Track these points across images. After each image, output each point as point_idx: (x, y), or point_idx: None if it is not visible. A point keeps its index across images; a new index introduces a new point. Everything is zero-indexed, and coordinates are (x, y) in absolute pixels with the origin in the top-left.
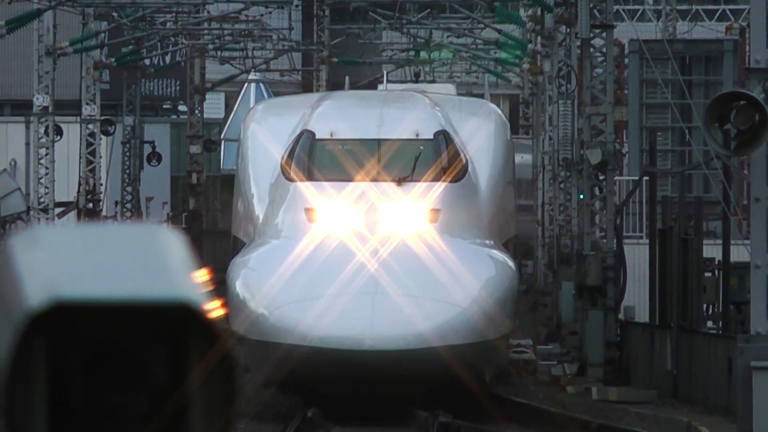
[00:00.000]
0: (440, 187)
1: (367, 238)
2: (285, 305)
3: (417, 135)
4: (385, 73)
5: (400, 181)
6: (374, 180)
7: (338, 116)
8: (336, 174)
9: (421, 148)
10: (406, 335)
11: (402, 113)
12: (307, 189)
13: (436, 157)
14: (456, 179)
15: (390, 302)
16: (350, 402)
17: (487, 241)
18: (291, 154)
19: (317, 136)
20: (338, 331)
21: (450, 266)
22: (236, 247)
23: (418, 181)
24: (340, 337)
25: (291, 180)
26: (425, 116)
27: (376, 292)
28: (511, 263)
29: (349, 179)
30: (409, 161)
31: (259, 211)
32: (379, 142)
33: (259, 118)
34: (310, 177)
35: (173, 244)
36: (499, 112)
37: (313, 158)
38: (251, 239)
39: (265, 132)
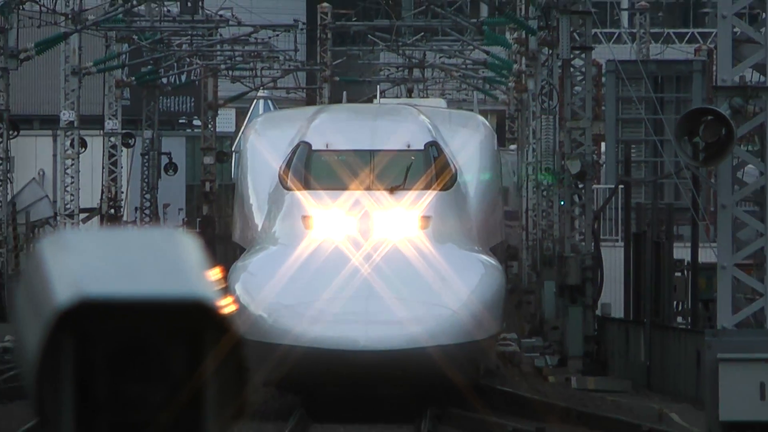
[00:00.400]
0: (431, 195)
1: (361, 244)
2: (283, 308)
3: (408, 146)
4: (378, 88)
5: (392, 190)
6: (368, 189)
7: (333, 128)
8: (331, 183)
9: (413, 158)
10: (399, 336)
11: (394, 125)
12: (303, 197)
13: (426, 166)
14: (446, 188)
15: (383, 305)
16: (346, 400)
17: (476, 247)
18: (288, 164)
19: (313, 147)
20: (333, 333)
21: (440, 271)
22: (236, 252)
23: (410, 189)
24: (335, 338)
25: (288, 189)
26: (416, 128)
27: (369, 296)
28: (498, 267)
29: (344, 188)
30: (400, 171)
31: (258, 218)
32: (372, 152)
33: (258, 130)
34: (306, 186)
35: (189, 246)
36: (487, 123)
37: (309, 168)
38: (250, 245)
39: (264, 143)
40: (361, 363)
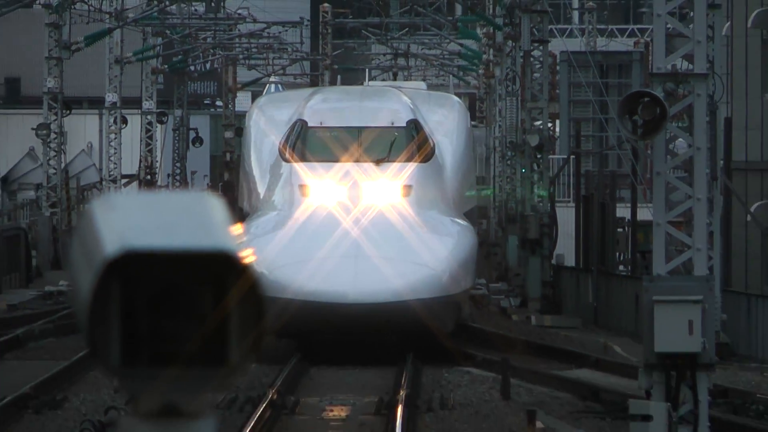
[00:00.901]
0: (412, 167)
1: (350, 210)
2: (282, 266)
3: (392, 123)
4: (366, 73)
5: (378, 162)
6: (356, 161)
7: (327, 108)
8: (324, 156)
9: (396, 134)
10: (384, 291)
11: (379, 105)
12: (300, 168)
13: (408, 141)
14: (425, 160)
15: (370, 264)
16: (338, 346)
17: (452, 212)
18: (287, 139)
19: (309, 125)
20: (326, 288)
21: (420, 233)
22: (241, 216)
23: (393, 162)
24: (328, 292)
25: (287, 161)
26: (399, 107)
27: (358, 255)
28: (471, 230)
29: (336, 160)
30: (385, 145)
31: (261, 186)
32: (360, 129)
33: (261, 109)
34: (302, 158)
35: (214, 206)
36: (462, 103)
37: (305, 143)
38: (253, 210)
39: (266, 121)
40: (351, 314)
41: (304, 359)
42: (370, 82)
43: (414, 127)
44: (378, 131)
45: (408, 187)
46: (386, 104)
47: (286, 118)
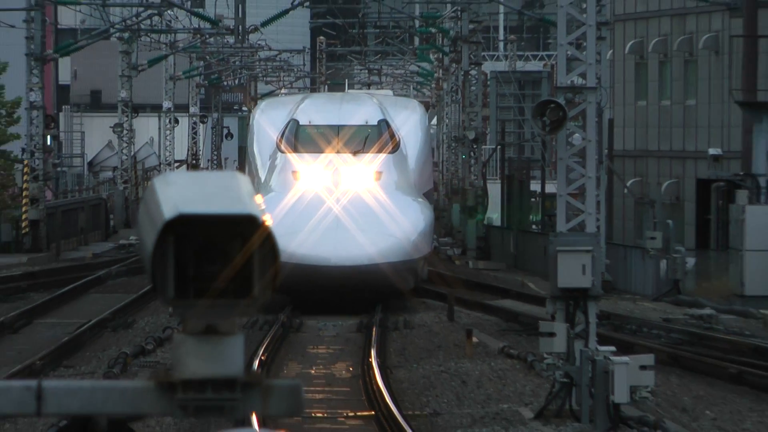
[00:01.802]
0: (382, 157)
1: (333, 191)
2: (277, 236)
3: (366, 122)
4: (346, 83)
5: (355, 153)
6: (337, 152)
7: (314, 109)
8: (312, 148)
9: (369, 130)
10: (359, 256)
11: (356, 107)
12: (293, 158)
13: (379, 136)
14: (392, 151)
15: (348, 234)
16: (322, 300)
17: (414, 193)
18: (282, 135)
19: (300, 123)
20: (313, 253)
21: (389, 210)
22: None
23: (367, 153)
24: (314, 256)
25: (282, 152)
26: (372, 109)
27: (338, 228)
28: (429, 207)
29: (321, 152)
30: (361, 139)
31: (261, 172)
32: (340, 126)
33: (262, 110)
34: (295, 150)
35: (241, 181)
36: (422, 106)
37: (297, 138)
38: (255, 192)
39: (265, 120)
40: (333, 275)
41: (296, 309)
42: (349, 90)
43: (384, 125)
44: (355, 128)
45: (379, 173)
46: (361, 107)
47: (282, 117)
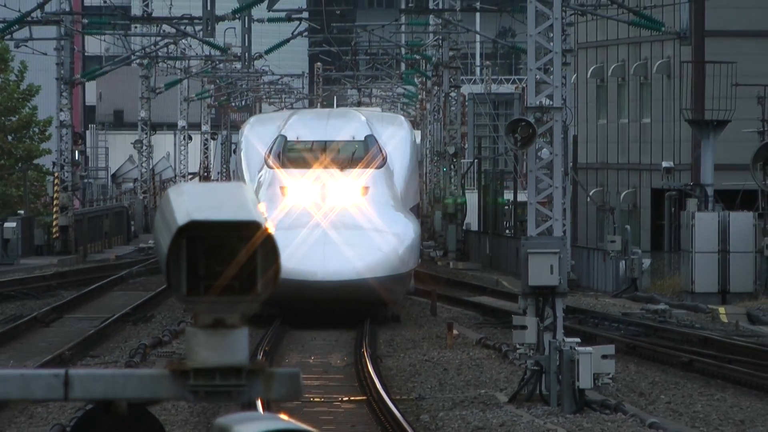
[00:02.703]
0: (369, 172)
1: (320, 206)
2: None
3: (353, 137)
4: (334, 99)
5: (342, 168)
6: (325, 167)
7: (302, 125)
8: (300, 163)
9: (356, 146)
10: (347, 271)
11: (343, 122)
12: (281, 173)
13: (366, 152)
14: (379, 167)
15: (336, 249)
16: (311, 314)
17: (400, 208)
18: (270, 150)
19: (288, 139)
20: (301, 268)
21: (376, 225)
22: None
23: (354, 168)
24: (302, 271)
25: (271, 168)
26: (358, 125)
27: (326, 242)
28: (415, 223)
29: (309, 167)
30: (348, 155)
31: None
32: (328, 142)
33: (251, 126)
34: (283, 165)
35: (246, 191)
36: (408, 122)
37: (285, 153)
38: None
39: (254, 136)
40: (321, 290)
41: (285, 324)
42: (337, 107)
43: (371, 140)
44: (342, 144)
45: (366, 188)
46: (348, 122)
47: (271, 133)
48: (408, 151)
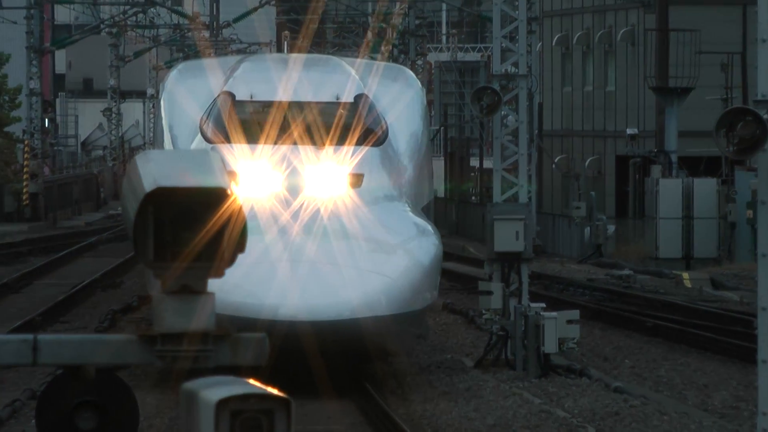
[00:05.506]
0: (362, 151)
1: (288, 203)
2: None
3: (338, 98)
4: (285, 44)
5: (321, 145)
6: (295, 143)
7: (258, 78)
8: (256, 137)
9: (342, 111)
10: (330, 306)
11: (322, 75)
12: (226, 151)
13: (357, 120)
14: (377, 144)
15: (313, 271)
16: (282, 372)
17: (409, 208)
18: (209, 115)
19: (237, 98)
20: (254, 301)
21: (373, 233)
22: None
23: (340, 145)
24: (257, 306)
25: (210, 142)
26: (345, 79)
27: (296, 260)
28: (434, 231)
29: (270, 142)
30: (329, 124)
31: None
32: (299, 104)
33: (178, 75)
34: (228, 139)
35: (213, 158)
36: (416, 78)
37: (232, 120)
38: None
39: (183, 91)
40: (287, 333)
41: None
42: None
43: (364, 103)
44: (320, 107)
45: (357, 176)
46: (330, 75)
47: (208, 88)
48: (419, 120)
